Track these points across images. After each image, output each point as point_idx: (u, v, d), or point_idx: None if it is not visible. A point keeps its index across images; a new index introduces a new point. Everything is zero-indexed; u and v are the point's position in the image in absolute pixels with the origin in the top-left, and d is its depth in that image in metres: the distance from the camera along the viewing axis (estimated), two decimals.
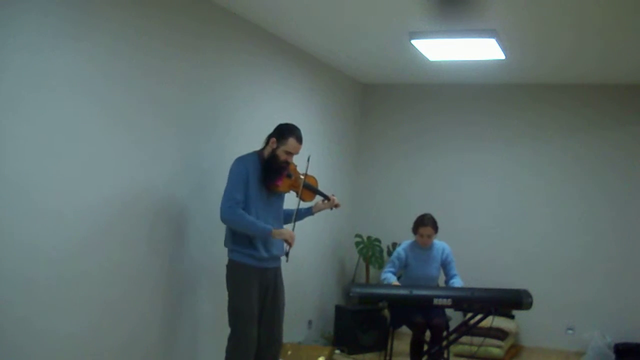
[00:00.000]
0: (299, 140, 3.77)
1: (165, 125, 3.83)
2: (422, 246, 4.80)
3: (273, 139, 3.75)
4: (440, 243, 4.86)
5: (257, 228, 3.62)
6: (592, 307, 6.02)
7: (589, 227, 6.11)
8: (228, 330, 3.70)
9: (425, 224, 4.74)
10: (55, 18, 3.00)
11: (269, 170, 3.73)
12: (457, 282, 4.66)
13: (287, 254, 3.78)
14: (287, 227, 3.87)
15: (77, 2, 3.13)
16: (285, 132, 3.75)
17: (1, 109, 2.76)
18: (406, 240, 4.92)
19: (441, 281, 4.94)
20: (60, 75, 3.05)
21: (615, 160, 6.08)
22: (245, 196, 3.63)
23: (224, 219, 3.62)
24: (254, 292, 3.69)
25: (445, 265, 4.80)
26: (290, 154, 3.75)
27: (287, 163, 3.78)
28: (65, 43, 3.06)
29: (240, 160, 3.71)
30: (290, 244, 3.73)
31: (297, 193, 3.91)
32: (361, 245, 6.32)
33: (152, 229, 3.75)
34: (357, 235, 6.41)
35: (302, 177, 3.92)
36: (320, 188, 4.12)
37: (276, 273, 3.86)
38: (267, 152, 3.76)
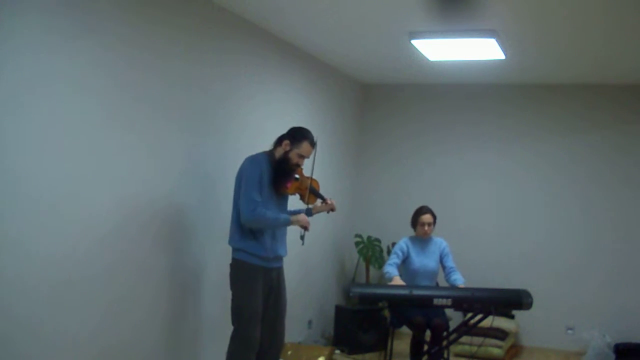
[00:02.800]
0: (313, 144, 3.81)
1: (165, 125, 3.83)
2: (422, 237, 4.84)
3: (286, 142, 3.76)
4: (438, 239, 4.94)
5: (279, 221, 3.73)
6: (592, 307, 6.02)
7: (589, 227, 6.11)
8: (230, 329, 3.71)
9: (424, 211, 4.84)
10: (56, 18, 3.00)
11: (280, 172, 3.75)
12: (458, 279, 4.67)
13: (302, 238, 3.87)
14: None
15: (78, 2, 3.13)
16: (299, 135, 3.78)
17: (1, 109, 2.76)
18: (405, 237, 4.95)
19: (440, 277, 4.95)
20: (60, 75, 3.05)
21: (615, 160, 6.08)
22: (261, 195, 3.67)
23: (248, 222, 3.64)
24: (258, 291, 3.70)
25: (442, 257, 4.87)
26: (302, 157, 3.79)
27: (298, 166, 3.81)
28: (66, 43, 3.06)
29: (254, 161, 3.72)
30: (307, 229, 3.84)
31: (301, 196, 3.95)
32: (361, 245, 6.32)
33: (155, 230, 3.75)
34: (357, 235, 6.40)
35: (307, 180, 3.95)
36: (321, 189, 4.15)
37: (279, 273, 3.88)
38: (278, 154, 3.78)
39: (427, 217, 4.82)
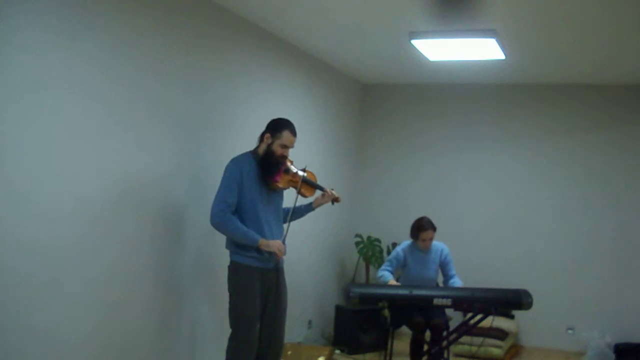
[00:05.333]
0: (294, 132, 3.75)
1: (164, 124, 3.83)
2: (423, 249, 4.78)
3: (267, 135, 3.73)
4: (438, 244, 4.85)
5: (246, 237, 3.58)
6: (592, 307, 6.02)
7: (589, 226, 6.11)
8: (228, 331, 3.70)
9: (425, 228, 4.70)
10: (55, 18, 3.00)
11: (266, 166, 3.70)
12: (456, 282, 4.66)
13: (275, 266, 3.76)
14: (284, 226, 3.88)
15: (77, 2, 3.13)
16: (278, 126, 3.74)
17: (1, 109, 2.76)
18: (406, 240, 4.92)
19: (440, 281, 4.94)
20: (60, 75, 3.05)
21: (615, 160, 6.08)
22: (238, 198, 3.61)
23: (213, 223, 3.59)
24: (257, 293, 3.67)
25: (443, 265, 4.79)
26: (286, 147, 3.73)
27: (284, 157, 3.76)
28: (65, 43, 3.06)
29: (234, 162, 3.69)
30: (278, 256, 3.69)
31: (296, 189, 3.87)
32: (361, 245, 6.31)
33: (151, 229, 3.75)
34: (357, 235, 6.40)
35: (300, 172, 3.91)
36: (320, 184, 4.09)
37: (278, 273, 3.82)
38: (262, 149, 3.75)
39: (428, 234, 4.69)
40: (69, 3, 3.07)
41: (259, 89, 4.83)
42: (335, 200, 4.02)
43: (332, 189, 4.06)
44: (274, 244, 3.64)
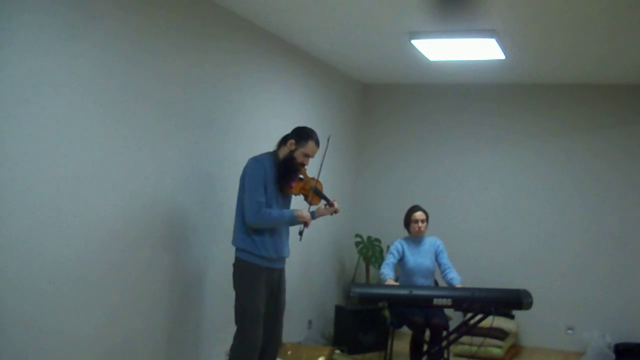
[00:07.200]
0: (318, 143, 3.82)
1: (166, 125, 3.82)
2: (416, 235, 4.90)
3: (292, 141, 3.76)
4: (432, 237, 4.98)
5: (284, 218, 3.72)
6: (592, 307, 6.02)
7: (589, 226, 6.11)
8: (232, 329, 3.71)
9: (415, 209, 4.93)
10: (55, 18, 3.00)
11: (285, 171, 3.75)
12: (455, 278, 4.68)
13: (301, 233, 3.85)
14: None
15: (77, 2, 3.12)
16: (304, 134, 3.79)
17: (1, 110, 2.76)
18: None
19: (437, 274, 4.97)
20: (60, 76, 3.04)
21: (615, 160, 6.08)
22: (265, 196, 3.66)
23: (253, 223, 3.64)
24: (262, 291, 3.70)
25: (437, 255, 4.92)
26: (307, 156, 3.79)
27: (303, 165, 3.81)
28: (65, 43, 3.06)
29: (257, 161, 3.71)
30: (307, 225, 3.82)
31: (305, 197, 3.94)
32: (361, 245, 6.31)
33: (156, 230, 3.75)
34: (357, 235, 6.40)
35: (311, 180, 3.94)
36: (323, 190, 4.12)
37: (281, 274, 3.88)
38: (283, 153, 3.77)
39: (419, 214, 4.89)
40: (69, 3, 3.07)
41: (260, 89, 4.83)
42: (335, 212, 4.07)
43: (334, 200, 4.06)
44: (306, 214, 3.79)
